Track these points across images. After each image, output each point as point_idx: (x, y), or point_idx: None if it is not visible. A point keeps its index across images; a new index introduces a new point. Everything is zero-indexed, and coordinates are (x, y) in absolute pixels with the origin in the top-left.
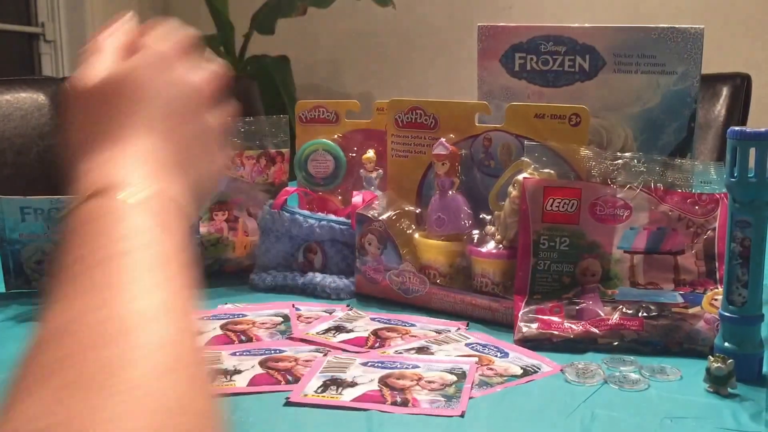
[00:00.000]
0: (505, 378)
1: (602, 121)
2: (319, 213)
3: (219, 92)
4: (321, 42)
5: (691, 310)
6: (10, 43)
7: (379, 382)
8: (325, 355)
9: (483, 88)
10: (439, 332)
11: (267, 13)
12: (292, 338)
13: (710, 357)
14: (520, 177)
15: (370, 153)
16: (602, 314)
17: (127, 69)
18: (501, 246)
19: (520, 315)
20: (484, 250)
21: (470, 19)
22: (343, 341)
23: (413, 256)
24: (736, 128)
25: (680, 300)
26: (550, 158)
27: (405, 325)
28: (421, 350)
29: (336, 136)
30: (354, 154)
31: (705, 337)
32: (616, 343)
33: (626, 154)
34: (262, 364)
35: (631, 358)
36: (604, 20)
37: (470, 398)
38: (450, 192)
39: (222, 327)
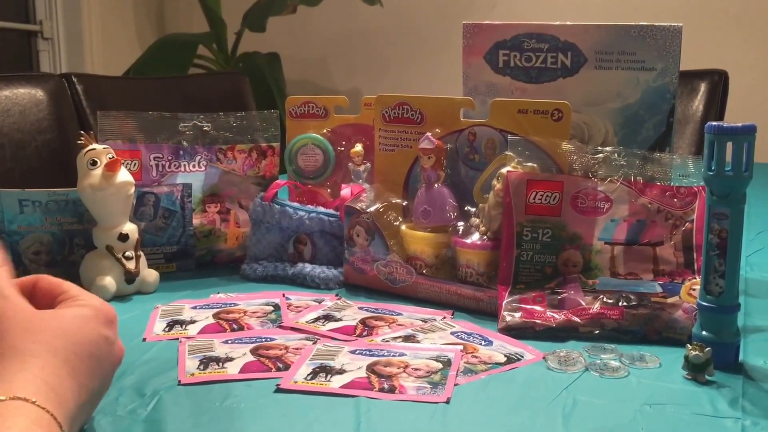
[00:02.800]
0: (489, 365)
1: (583, 116)
2: (309, 205)
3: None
4: (311, 39)
5: (669, 300)
6: (8, 41)
7: (366, 370)
8: (315, 343)
9: (468, 84)
10: (425, 321)
11: (258, 11)
12: (282, 327)
13: (688, 345)
14: (504, 170)
15: (358, 147)
16: (583, 304)
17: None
18: (485, 237)
19: (503, 304)
20: (468, 241)
21: (455, 17)
22: (332, 330)
23: (400, 247)
24: (714, 123)
25: (659, 290)
26: (533, 152)
27: (392, 314)
28: (407, 338)
29: (325, 130)
30: (342, 148)
31: (683, 326)
32: (597, 332)
33: (607, 148)
34: (253, 351)
35: (612, 346)
36: (585, 18)
37: (455, 385)
38: (436, 185)
39: (214, 316)
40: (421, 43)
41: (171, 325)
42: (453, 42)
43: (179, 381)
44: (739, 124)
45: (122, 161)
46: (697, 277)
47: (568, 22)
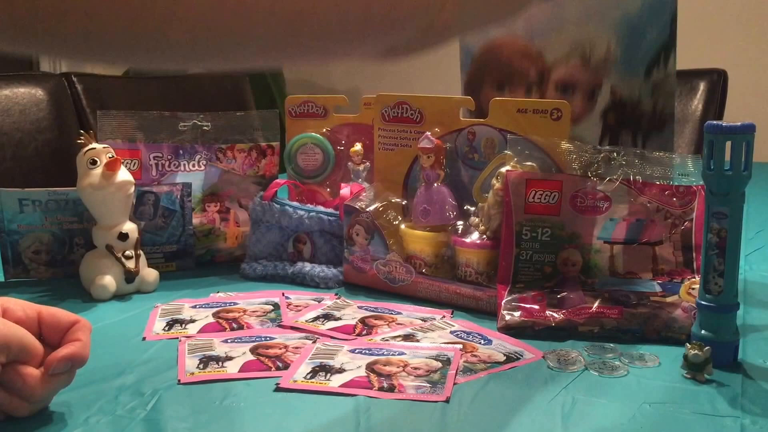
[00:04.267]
0: (489, 365)
1: (583, 31)
2: (309, 204)
3: None
4: None
5: (669, 299)
6: None
7: (366, 369)
8: (314, 342)
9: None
10: (424, 320)
11: None
12: (282, 326)
13: (687, 344)
14: (503, 170)
15: (358, 146)
16: (583, 303)
17: None
18: (485, 237)
19: (503, 303)
20: (468, 240)
21: None
22: (332, 329)
23: (399, 247)
24: (713, 122)
25: (658, 289)
26: (533, 151)
27: (391, 313)
28: (407, 338)
29: (324, 129)
30: (342, 148)
31: (682, 325)
32: (596, 331)
33: (606, 147)
34: (253, 350)
35: (611, 345)
36: None
37: (455, 384)
38: (435, 184)
39: (214, 315)
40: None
41: (171, 324)
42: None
43: (179, 380)
44: (738, 123)
45: (122, 160)
46: (696, 277)
47: None
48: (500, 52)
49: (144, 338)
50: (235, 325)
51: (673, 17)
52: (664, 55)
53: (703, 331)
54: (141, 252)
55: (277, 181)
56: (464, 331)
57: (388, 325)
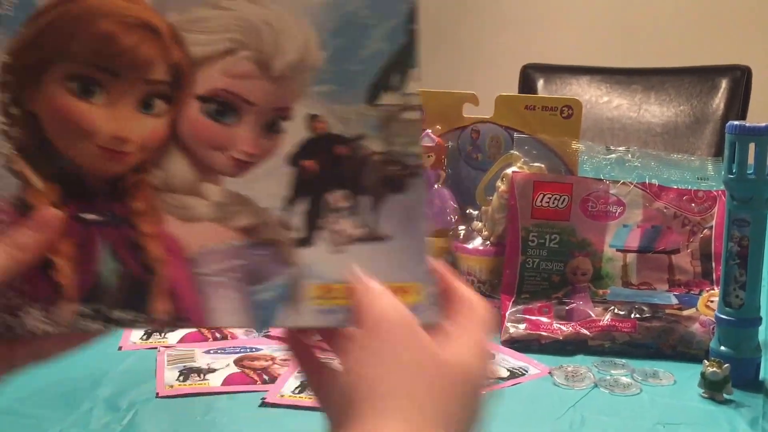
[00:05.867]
0: (491, 381)
1: (265, 11)
2: None
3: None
4: None
5: (685, 312)
6: None
7: None
8: None
9: None
10: None
11: None
12: (269, 336)
13: (705, 361)
14: (509, 171)
15: None
16: (593, 315)
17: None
18: (488, 243)
19: (507, 315)
20: (470, 246)
21: (456, 8)
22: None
23: None
24: (735, 123)
25: (674, 301)
26: (541, 151)
27: None
28: None
29: None
30: None
31: (700, 340)
32: (607, 346)
33: (620, 148)
34: (237, 362)
35: (623, 361)
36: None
37: None
38: (435, 186)
39: None
40: (422, 33)
41: (149, 333)
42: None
43: (157, 393)
44: (763, 124)
45: None
46: (715, 288)
47: None
48: (92, 13)
49: (120, 348)
50: (218, 335)
51: (410, 13)
52: (398, 74)
53: (722, 347)
54: None
55: None
56: None
57: None
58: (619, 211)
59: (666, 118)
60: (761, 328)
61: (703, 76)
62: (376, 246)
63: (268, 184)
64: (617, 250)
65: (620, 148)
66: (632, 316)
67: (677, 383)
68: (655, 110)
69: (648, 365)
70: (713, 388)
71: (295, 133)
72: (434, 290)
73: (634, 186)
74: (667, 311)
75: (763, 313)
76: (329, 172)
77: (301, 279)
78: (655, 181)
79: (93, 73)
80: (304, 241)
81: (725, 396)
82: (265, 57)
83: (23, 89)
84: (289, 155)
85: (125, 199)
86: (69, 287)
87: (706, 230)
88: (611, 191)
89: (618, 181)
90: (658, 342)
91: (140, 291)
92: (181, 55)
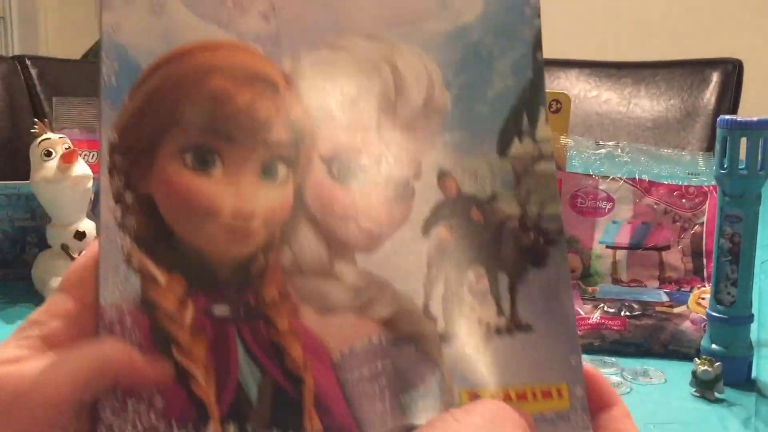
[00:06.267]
0: None
1: (384, 47)
2: None
3: None
4: None
5: (676, 310)
6: None
7: None
8: None
9: None
10: None
11: None
12: None
13: (696, 359)
14: None
15: None
16: (582, 313)
17: None
18: None
19: None
20: None
21: None
22: None
23: None
24: (727, 117)
25: (665, 298)
26: None
27: None
28: None
29: None
30: None
31: (691, 339)
32: (596, 344)
33: (609, 143)
34: None
35: (613, 359)
36: None
37: None
38: None
39: None
40: None
41: None
42: None
43: None
44: (755, 118)
45: (79, 152)
46: (706, 285)
47: None
48: (201, 70)
49: None
50: None
51: (536, 40)
52: (528, 115)
53: (713, 345)
54: None
55: None
56: None
57: None
58: (608, 207)
59: (656, 113)
60: (753, 326)
61: (694, 69)
62: (516, 338)
63: (403, 262)
64: (607, 247)
65: (610, 143)
66: (622, 313)
67: (668, 382)
68: (645, 104)
69: (638, 364)
70: (705, 387)
71: (425, 194)
72: (583, 392)
73: (624, 181)
74: (658, 309)
75: (755, 311)
76: (465, 244)
77: (450, 383)
78: (645, 177)
79: (208, 140)
80: (447, 335)
81: (717, 395)
82: (390, 102)
83: (135, 170)
84: (422, 223)
85: (255, 286)
86: (211, 403)
87: (697, 226)
88: (600, 187)
89: (607, 177)
90: (648, 340)
91: (288, 405)
92: (300, 110)
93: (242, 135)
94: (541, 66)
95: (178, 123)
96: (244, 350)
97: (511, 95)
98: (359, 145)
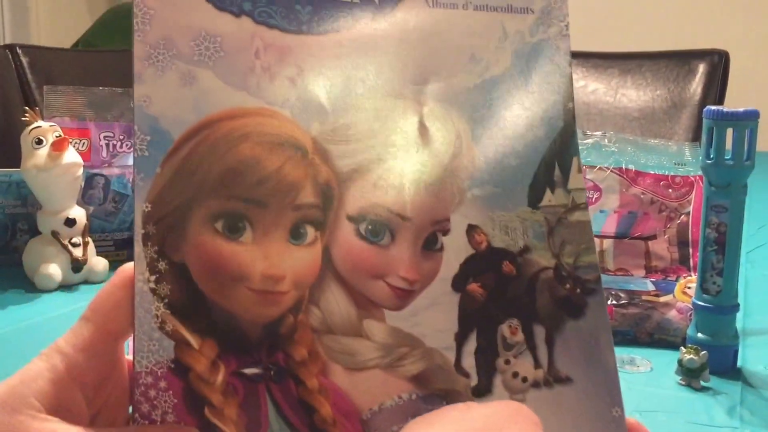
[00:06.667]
0: None
1: (412, 106)
2: None
3: None
4: None
5: (662, 299)
6: None
7: None
8: None
9: (148, 36)
10: None
11: None
12: None
13: (682, 348)
14: None
15: None
16: None
17: None
18: None
19: None
20: None
21: None
22: None
23: None
24: (713, 108)
25: (651, 288)
26: None
27: None
28: None
29: None
30: None
31: (677, 327)
32: None
33: (596, 132)
34: None
35: None
36: None
37: None
38: None
39: None
40: None
41: None
42: None
43: None
44: (741, 109)
45: (70, 140)
46: (692, 275)
47: None
48: (230, 137)
49: None
50: None
51: (568, 88)
52: (560, 165)
53: (699, 334)
54: (89, 239)
55: None
56: None
57: None
58: (595, 196)
59: (643, 103)
60: (739, 315)
61: (681, 60)
62: (555, 391)
63: (433, 317)
64: (593, 236)
65: (596, 133)
66: (609, 302)
67: (654, 370)
68: (632, 95)
69: (625, 352)
70: (690, 376)
71: (455, 250)
72: None
73: (611, 171)
74: (644, 298)
75: (741, 300)
76: (497, 298)
77: None
78: (631, 167)
79: (238, 207)
80: (481, 390)
81: (702, 383)
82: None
83: (168, 239)
84: (452, 279)
85: (285, 347)
86: None
87: (683, 216)
88: (587, 176)
89: (594, 167)
90: (634, 329)
91: None
92: (328, 172)
93: (271, 200)
94: (572, 115)
95: (209, 191)
96: (274, 409)
97: (542, 147)
98: (387, 204)
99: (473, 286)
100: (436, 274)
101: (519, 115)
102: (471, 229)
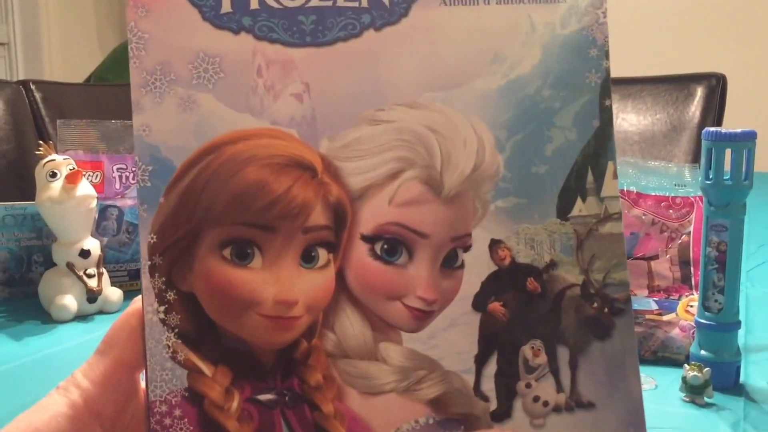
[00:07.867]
0: None
1: (430, 115)
2: None
3: None
4: None
5: (665, 317)
6: None
7: None
8: None
9: (143, 59)
10: None
11: None
12: None
13: (686, 365)
14: None
15: None
16: None
17: None
18: None
19: None
20: None
21: None
22: None
23: None
24: (711, 129)
25: (654, 306)
26: None
27: None
28: None
29: None
30: None
31: (680, 345)
32: None
33: None
34: None
35: None
36: None
37: None
38: None
39: None
40: None
41: None
42: None
43: None
44: (739, 130)
45: (83, 173)
46: (694, 293)
47: None
48: (235, 161)
49: None
50: None
51: (604, 85)
52: (594, 167)
53: (702, 352)
54: (104, 270)
55: None
56: None
57: None
58: None
59: (643, 126)
60: (740, 332)
61: (679, 84)
62: (576, 416)
63: (452, 339)
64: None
65: None
66: None
67: (658, 387)
68: (632, 119)
69: None
70: (694, 392)
71: (476, 267)
72: None
73: None
74: (647, 317)
75: (742, 317)
76: (520, 318)
77: None
78: (633, 189)
79: (246, 233)
80: (500, 415)
81: (706, 400)
82: (436, 173)
83: (175, 269)
84: (473, 298)
85: (299, 372)
86: None
87: (684, 236)
88: None
89: None
90: (639, 347)
91: None
92: (340, 191)
93: (280, 224)
94: (609, 113)
95: (214, 218)
96: None
97: (574, 150)
98: (404, 221)
99: (495, 306)
100: (456, 293)
101: (548, 116)
102: (494, 244)
